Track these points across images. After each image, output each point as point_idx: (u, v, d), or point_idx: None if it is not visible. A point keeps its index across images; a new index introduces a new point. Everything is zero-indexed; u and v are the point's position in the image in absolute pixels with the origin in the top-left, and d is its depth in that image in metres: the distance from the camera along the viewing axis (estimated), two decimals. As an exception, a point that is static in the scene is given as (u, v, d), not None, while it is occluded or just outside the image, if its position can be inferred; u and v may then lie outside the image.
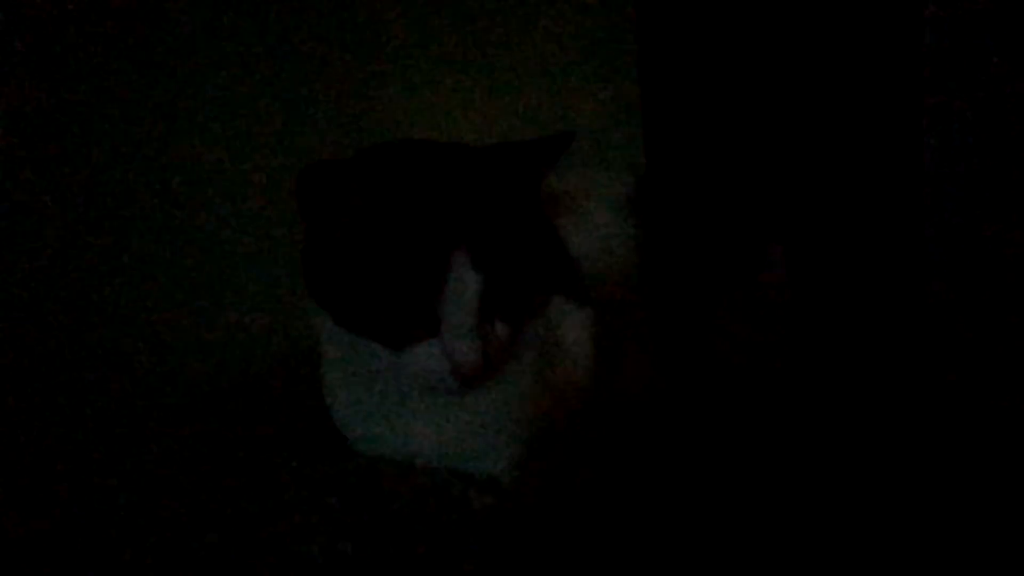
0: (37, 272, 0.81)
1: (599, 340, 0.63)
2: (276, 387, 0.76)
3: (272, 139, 0.92)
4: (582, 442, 0.62)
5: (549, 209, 0.68)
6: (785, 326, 0.69)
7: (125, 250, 0.86)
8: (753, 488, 0.57)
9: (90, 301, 0.84)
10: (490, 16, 0.97)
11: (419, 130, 0.91)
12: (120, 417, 0.83)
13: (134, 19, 0.86)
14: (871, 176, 0.88)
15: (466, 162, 0.54)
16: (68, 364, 0.83)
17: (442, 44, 0.97)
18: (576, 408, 0.62)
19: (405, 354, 0.52)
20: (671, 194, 0.74)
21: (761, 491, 0.57)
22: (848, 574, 0.50)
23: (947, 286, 0.85)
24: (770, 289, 0.69)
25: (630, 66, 0.98)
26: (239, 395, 0.77)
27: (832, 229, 0.90)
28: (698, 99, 0.97)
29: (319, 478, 0.59)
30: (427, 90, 0.97)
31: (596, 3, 0.98)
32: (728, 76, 0.95)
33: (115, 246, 0.85)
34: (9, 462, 0.74)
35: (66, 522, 0.60)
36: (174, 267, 0.88)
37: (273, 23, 0.92)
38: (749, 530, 0.54)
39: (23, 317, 0.80)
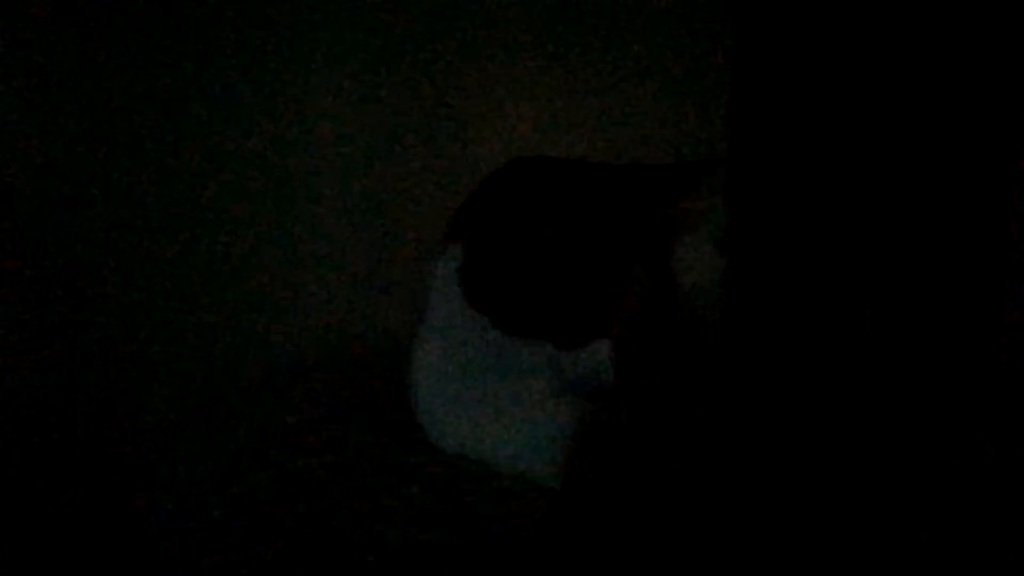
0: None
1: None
2: (359, 375, 0.79)
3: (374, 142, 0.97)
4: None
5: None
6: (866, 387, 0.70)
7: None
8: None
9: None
10: (583, 41, 0.99)
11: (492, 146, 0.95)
12: (207, 391, 0.87)
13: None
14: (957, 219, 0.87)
15: (633, 181, 0.59)
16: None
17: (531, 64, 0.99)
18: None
19: (574, 353, 0.56)
20: (768, 235, 0.74)
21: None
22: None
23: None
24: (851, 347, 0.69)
25: (720, 96, 1.00)
26: (325, 376, 0.80)
27: (917, 292, 0.90)
28: (790, 130, 0.97)
29: (403, 467, 0.61)
30: (514, 107, 1.00)
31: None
32: (823, 110, 0.94)
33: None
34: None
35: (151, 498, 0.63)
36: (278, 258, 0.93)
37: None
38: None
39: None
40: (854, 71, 0.92)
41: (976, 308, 0.88)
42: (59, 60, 0.86)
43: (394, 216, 0.96)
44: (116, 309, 0.91)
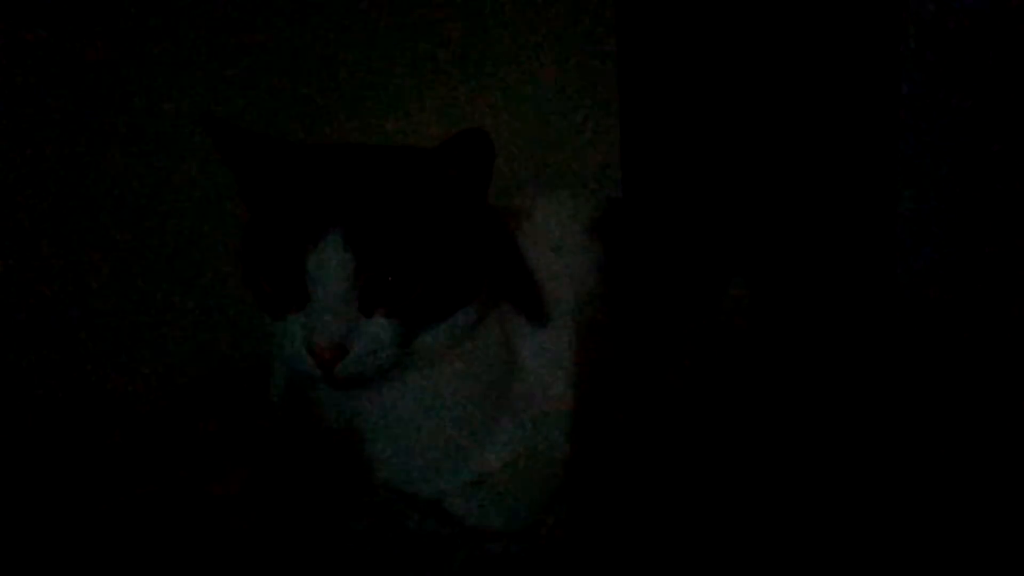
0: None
1: (568, 364, 0.62)
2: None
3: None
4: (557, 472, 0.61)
5: (513, 227, 0.67)
6: (747, 353, 0.68)
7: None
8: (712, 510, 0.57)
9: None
10: (469, 31, 0.97)
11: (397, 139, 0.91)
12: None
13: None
14: (841, 212, 0.88)
15: (361, 156, 0.54)
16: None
17: (421, 54, 0.97)
18: (549, 436, 0.61)
19: (276, 326, 0.51)
20: (642, 221, 0.72)
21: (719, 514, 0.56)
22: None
23: (917, 330, 0.85)
24: (734, 317, 0.67)
25: (612, 99, 0.99)
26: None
27: (799, 261, 0.90)
28: (674, 131, 0.97)
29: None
30: (407, 99, 0.97)
31: (579, 34, 0.99)
32: (705, 109, 0.95)
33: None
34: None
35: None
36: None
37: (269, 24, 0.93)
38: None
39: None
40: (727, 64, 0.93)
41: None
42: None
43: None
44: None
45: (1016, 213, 0.81)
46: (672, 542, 0.62)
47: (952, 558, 0.59)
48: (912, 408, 0.76)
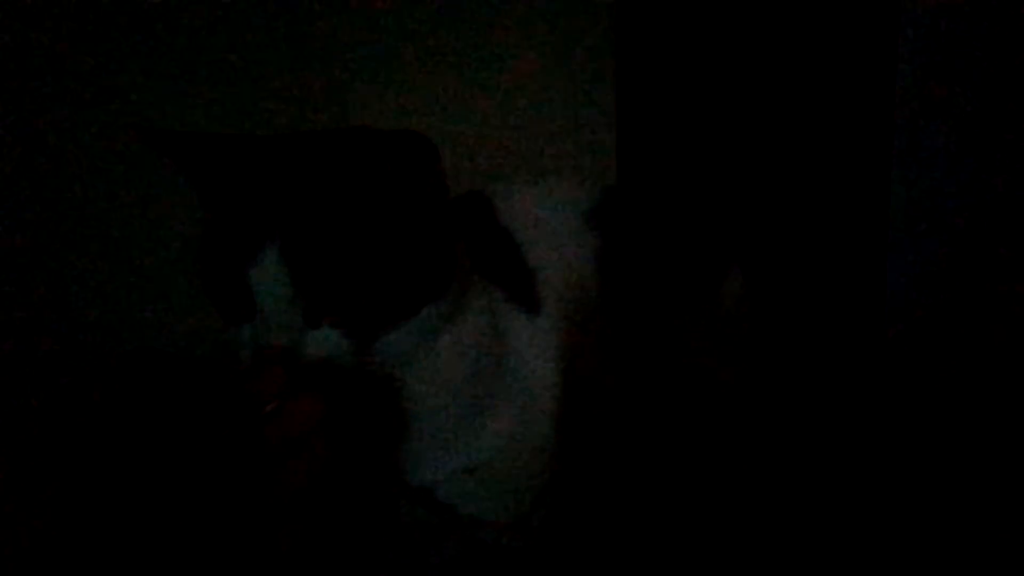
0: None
1: (561, 353, 0.61)
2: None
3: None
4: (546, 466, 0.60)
5: (507, 215, 0.66)
6: (742, 342, 0.67)
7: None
8: (707, 499, 0.56)
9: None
10: (466, 23, 0.97)
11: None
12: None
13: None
14: (835, 203, 0.88)
15: (300, 153, 0.51)
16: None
17: (417, 46, 0.96)
18: (541, 425, 0.60)
19: (229, 335, 0.50)
20: (638, 209, 0.72)
21: (715, 502, 0.56)
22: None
23: (905, 324, 0.85)
24: (729, 305, 0.67)
25: (608, 90, 0.98)
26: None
27: (793, 251, 0.90)
28: (671, 121, 0.97)
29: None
30: (400, 91, 0.96)
31: (577, 28, 0.98)
32: (701, 102, 0.95)
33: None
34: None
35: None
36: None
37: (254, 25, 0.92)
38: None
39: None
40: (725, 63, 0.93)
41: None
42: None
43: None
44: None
45: (1009, 213, 0.81)
46: (663, 533, 0.62)
47: (946, 556, 0.58)
48: (905, 412, 0.76)
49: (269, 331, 0.48)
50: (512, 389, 0.60)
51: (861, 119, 0.84)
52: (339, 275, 0.48)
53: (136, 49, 0.89)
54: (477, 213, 0.67)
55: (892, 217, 0.83)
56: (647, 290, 0.67)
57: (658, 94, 0.98)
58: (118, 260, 0.91)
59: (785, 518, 0.62)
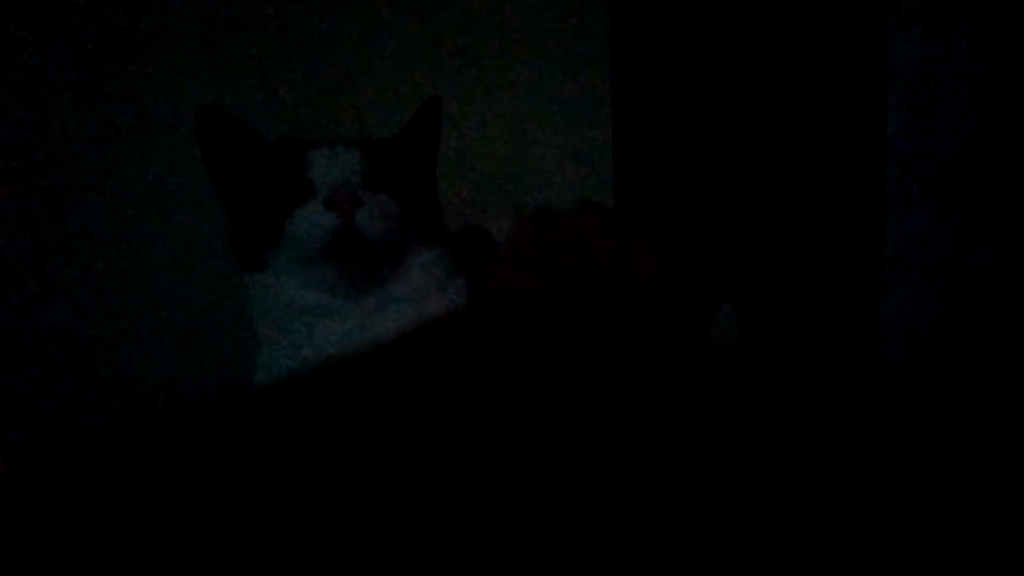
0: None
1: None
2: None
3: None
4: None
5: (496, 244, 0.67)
6: (735, 382, 0.68)
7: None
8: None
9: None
10: (463, 31, 0.97)
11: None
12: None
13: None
14: (828, 246, 0.89)
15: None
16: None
17: (415, 53, 0.97)
18: None
19: (289, 224, 0.54)
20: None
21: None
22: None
23: (901, 366, 0.86)
24: (721, 345, 0.68)
25: (605, 112, 0.99)
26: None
27: (786, 291, 0.91)
28: (667, 158, 0.98)
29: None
30: (401, 97, 0.97)
31: (575, 55, 0.99)
32: (697, 130, 0.96)
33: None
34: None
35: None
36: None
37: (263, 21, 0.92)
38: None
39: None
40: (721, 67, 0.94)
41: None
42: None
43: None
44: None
45: (1010, 225, 0.82)
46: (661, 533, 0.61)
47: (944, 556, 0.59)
48: (901, 451, 0.76)
49: (333, 187, 0.54)
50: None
51: (856, 154, 0.85)
52: (392, 167, 0.59)
53: (143, 44, 0.89)
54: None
55: (886, 256, 0.84)
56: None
57: (655, 120, 0.99)
58: (118, 260, 0.91)
59: (777, 546, 0.62)
